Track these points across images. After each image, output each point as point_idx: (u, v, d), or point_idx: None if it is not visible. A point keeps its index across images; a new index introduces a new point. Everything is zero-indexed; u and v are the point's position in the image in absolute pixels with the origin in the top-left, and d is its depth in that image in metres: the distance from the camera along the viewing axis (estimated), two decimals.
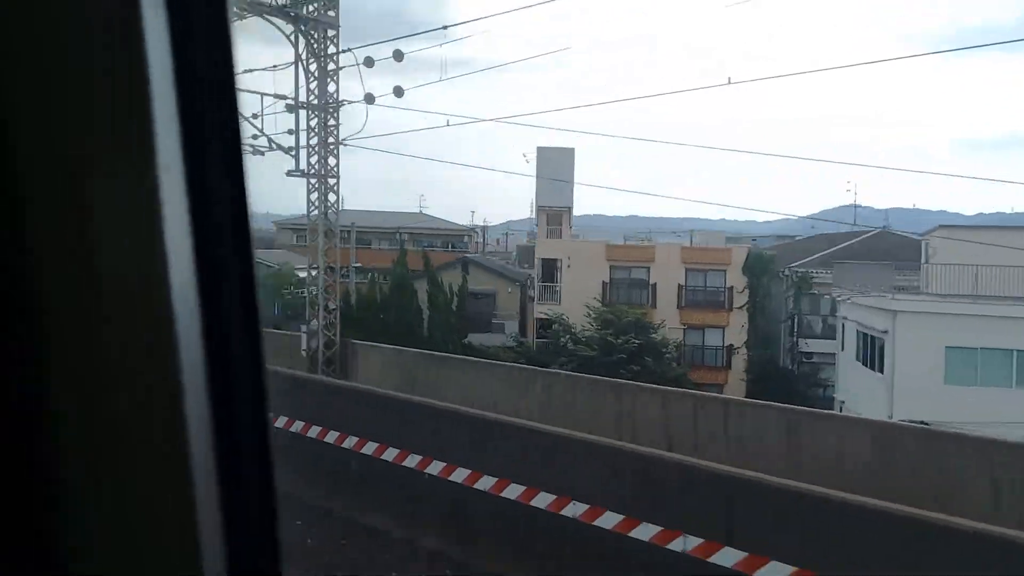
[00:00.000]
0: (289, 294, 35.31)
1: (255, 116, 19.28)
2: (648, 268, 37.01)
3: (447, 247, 53.87)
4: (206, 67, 0.91)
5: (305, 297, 22.56)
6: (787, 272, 38.34)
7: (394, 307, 31.48)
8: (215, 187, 0.93)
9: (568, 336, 30.00)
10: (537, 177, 38.80)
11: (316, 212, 20.00)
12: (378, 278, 34.18)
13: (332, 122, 19.38)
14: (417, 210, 65.88)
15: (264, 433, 1.01)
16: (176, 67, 0.87)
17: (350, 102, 19.51)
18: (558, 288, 37.40)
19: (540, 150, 38.96)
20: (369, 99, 19.34)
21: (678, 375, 28.90)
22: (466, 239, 59.75)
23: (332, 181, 19.80)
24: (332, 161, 19.62)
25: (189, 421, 0.90)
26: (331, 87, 19.16)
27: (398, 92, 19.56)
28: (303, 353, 19.76)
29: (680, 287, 36.33)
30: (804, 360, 36.78)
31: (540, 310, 36.35)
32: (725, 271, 36.16)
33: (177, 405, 0.89)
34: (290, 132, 19.12)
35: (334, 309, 20.64)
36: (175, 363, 0.88)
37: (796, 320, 37.98)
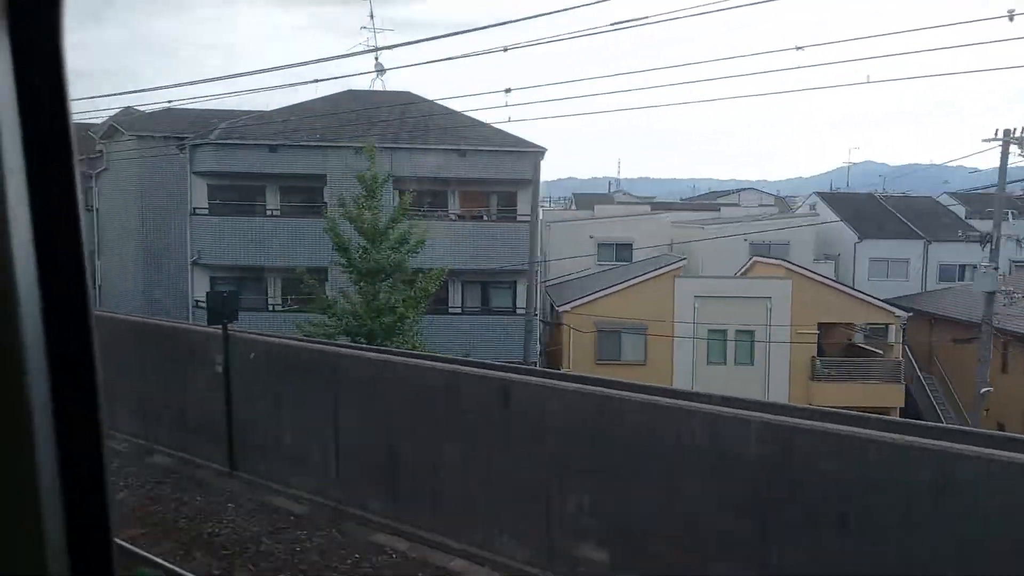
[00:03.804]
0: None
1: None
2: None
3: None
4: (42, 85, 0.95)
5: None
6: None
7: None
8: (51, 194, 0.96)
9: None
10: None
11: None
12: None
13: None
14: None
15: (99, 444, 1.02)
16: (16, 84, 0.93)
17: None
18: None
19: None
20: None
21: None
22: None
23: None
24: None
25: (36, 429, 0.93)
26: None
27: None
28: None
29: None
30: None
31: None
32: None
33: (26, 417, 0.92)
34: None
35: None
36: (22, 366, 0.91)
37: None
